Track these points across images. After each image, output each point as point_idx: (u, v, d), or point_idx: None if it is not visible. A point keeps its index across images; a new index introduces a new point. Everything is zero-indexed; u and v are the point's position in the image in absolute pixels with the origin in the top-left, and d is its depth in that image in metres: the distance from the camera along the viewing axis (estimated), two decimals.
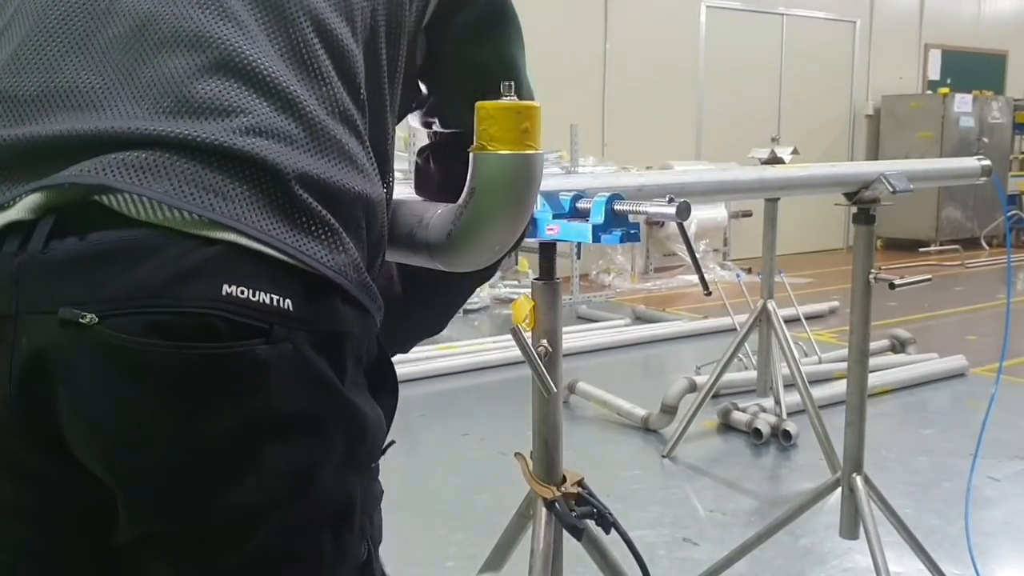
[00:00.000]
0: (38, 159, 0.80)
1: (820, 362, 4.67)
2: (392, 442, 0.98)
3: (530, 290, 1.40)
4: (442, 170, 1.19)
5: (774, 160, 3.45)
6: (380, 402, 0.91)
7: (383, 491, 1.00)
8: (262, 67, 0.84)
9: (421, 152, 1.22)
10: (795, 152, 3.51)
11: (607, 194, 1.22)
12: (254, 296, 0.77)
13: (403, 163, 5.07)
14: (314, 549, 0.85)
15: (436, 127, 1.18)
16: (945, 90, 10.43)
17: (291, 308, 0.78)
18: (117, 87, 0.82)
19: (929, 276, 2.27)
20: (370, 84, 0.95)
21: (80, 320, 0.74)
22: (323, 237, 0.82)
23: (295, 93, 0.85)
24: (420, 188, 1.21)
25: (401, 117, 1.12)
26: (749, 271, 7.31)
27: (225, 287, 0.76)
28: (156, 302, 0.75)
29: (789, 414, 3.81)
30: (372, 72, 0.95)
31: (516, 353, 1.66)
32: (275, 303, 0.77)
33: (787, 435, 3.71)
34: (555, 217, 1.28)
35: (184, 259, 0.76)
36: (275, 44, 0.87)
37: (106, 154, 0.78)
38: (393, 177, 1.03)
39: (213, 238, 0.77)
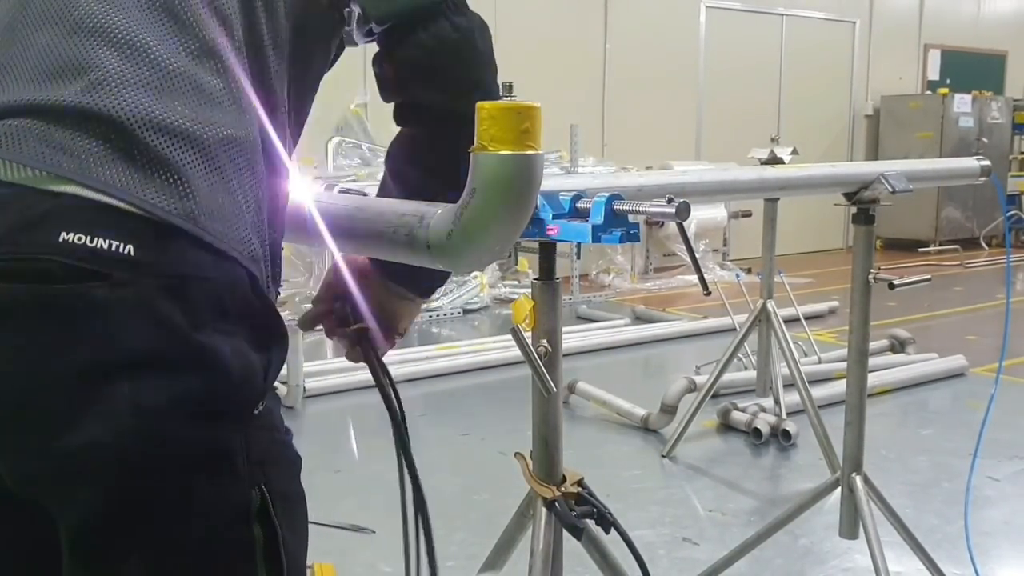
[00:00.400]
0: None
1: (820, 362, 4.67)
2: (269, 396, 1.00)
3: (530, 290, 1.41)
4: (402, 180, 1.23)
5: (773, 160, 3.45)
6: (261, 353, 0.92)
7: (299, 459, 1.01)
8: (111, 22, 0.89)
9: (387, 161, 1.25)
10: (794, 152, 3.51)
11: (607, 194, 1.23)
12: (91, 243, 0.81)
13: None
14: (174, 495, 0.87)
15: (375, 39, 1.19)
16: (944, 90, 10.44)
17: (132, 254, 0.82)
18: (2, 67, 0.90)
19: (928, 276, 2.28)
20: (247, 23, 0.98)
21: None
22: (170, 183, 0.85)
23: (145, 40, 0.89)
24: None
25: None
26: (749, 271, 7.31)
27: (63, 235, 0.81)
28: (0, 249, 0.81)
29: (789, 414, 3.81)
30: (247, 11, 0.99)
31: (516, 353, 1.66)
32: (114, 249, 0.82)
33: (787, 435, 3.71)
34: (555, 217, 1.28)
35: (28, 210, 0.82)
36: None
37: None
38: (286, 111, 1.04)
39: (56, 191, 0.82)
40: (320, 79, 1.16)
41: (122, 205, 0.83)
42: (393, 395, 1.34)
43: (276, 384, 1.04)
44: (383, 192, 1.26)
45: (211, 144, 0.89)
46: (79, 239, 0.81)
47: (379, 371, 1.34)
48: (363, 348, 1.33)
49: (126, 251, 0.82)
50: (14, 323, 0.81)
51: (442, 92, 1.15)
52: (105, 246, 0.81)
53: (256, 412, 0.92)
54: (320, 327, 1.38)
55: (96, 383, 0.82)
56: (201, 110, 0.90)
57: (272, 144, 1.00)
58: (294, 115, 1.09)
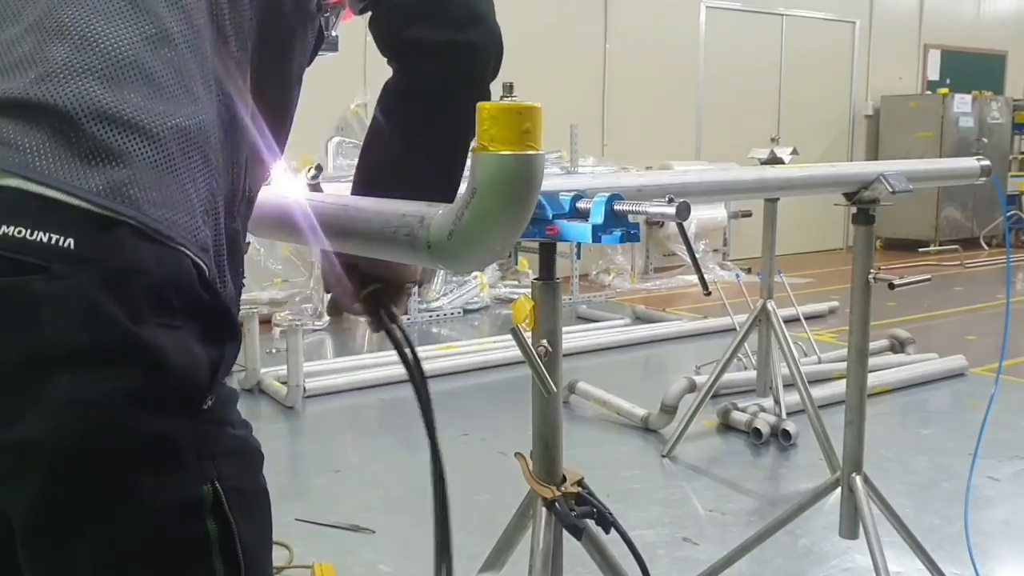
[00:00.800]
0: None
1: (820, 362, 4.67)
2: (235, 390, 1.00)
3: (530, 290, 1.41)
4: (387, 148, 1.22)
5: (773, 160, 3.45)
6: (210, 347, 0.91)
7: (258, 453, 1.01)
8: (65, 15, 0.89)
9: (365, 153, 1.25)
10: (795, 152, 3.51)
11: (607, 194, 1.23)
12: (32, 236, 0.81)
13: None
14: (117, 490, 0.86)
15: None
16: (944, 90, 10.44)
17: (72, 247, 0.82)
18: None
19: (928, 276, 2.28)
20: (210, 10, 0.98)
21: None
22: (115, 174, 0.85)
23: (97, 29, 0.89)
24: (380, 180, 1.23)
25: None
26: (749, 271, 7.31)
27: (3, 228, 0.81)
28: None
29: (789, 414, 3.81)
30: None
31: (516, 353, 1.66)
32: (54, 242, 0.82)
33: (787, 435, 3.71)
34: (555, 217, 1.28)
35: None
36: None
37: None
38: (252, 100, 1.03)
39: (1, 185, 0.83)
40: (302, 69, 1.15)
41: (63, 198, 0.83)
42: (414, 361, 1.34)
43: (235, 378, 1.03)
44: (372, 134, 1.25)
45: (160, 133, 0.88)
46: (19, 232, 0.81)
47: (397, 332, 1.33)
48: (380, 309, 1.32)
49: (66, 244, 0.82)
50: None
51: (444, 27, 1.15)
52: (45, 239, 0.81)
53: (205, 407, 0.91)
54: (347, 313, 1.38)
55: (33, 377, 0.82)
56: (151, 99, 0.89)
57: (235, 134, 0.99)
58: (273, 105, 1.07)
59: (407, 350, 1.34)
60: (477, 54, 1.19)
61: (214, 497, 0.91)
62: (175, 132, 0.90)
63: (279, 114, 1.10)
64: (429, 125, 1.22)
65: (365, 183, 1.28)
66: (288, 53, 1.10)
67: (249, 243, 1.12)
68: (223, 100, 0.97)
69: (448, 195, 1.19)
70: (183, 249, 0.88)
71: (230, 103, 0.99)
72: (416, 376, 1.35)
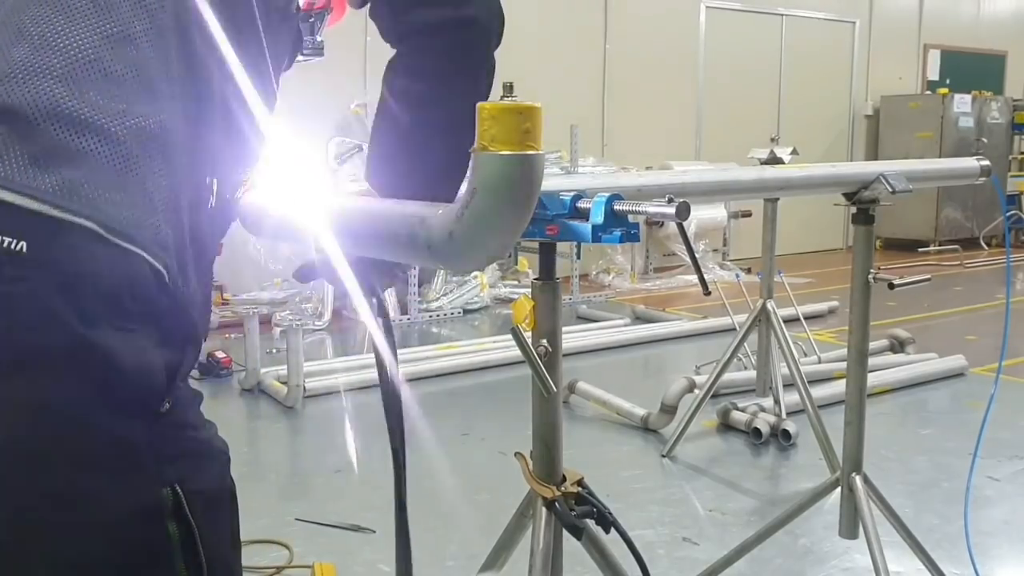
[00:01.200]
0: None
1: (819, 362, 4.67)
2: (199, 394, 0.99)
3: (530, 290, 1.41)
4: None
5: (773, 160, 3.45)
6: (168, 350, 0.90)
7: (224, 454, 1.00)
8: (26, 15, 0.89)
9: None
10: (794, 152, 3.51)
11: (607, 194, 1.23)
12: None
13: None
14: (71, 493, 0.86)
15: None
16: (944, 90, 10.44)
17: (25, 250, 0.81)
18: None
19: (928, 276, 2.28)
20: (174, 7, 0.97)
21: None
22: (70, 175, 0.84)
23: (57, 27, 0.88)
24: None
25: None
26: (748, 271, 7.31)
27: None
28: None
29: (788, 414, 3.81)
30: None
31: (516, 353, 1.66)
32: (6, 245, 0.81)
33: (786, 435, 3.71)
34: (555, 217, 1.28)
35: None
36: None
37: None
38: (204, 100, 1.01)
39: None
40: (278, 70, 1.14)
41: (17, 200, 0.82)
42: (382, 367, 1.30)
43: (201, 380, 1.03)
44: (380, 111, 1.24)
45: (119, 133, 0.88)
46: None
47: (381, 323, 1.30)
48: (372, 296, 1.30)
49: (18, 247, 0.81)
50: None
51: (443, 5, 1.14)
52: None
53: (162, 410, 0.91)
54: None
55: None
56: (111, 98, 0.88)
57: (203, 132, 0.98)
58: (247, 104, 1.06)
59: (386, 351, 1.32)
60: (479, 27, 1.19)
61: (174, 500, 0.90)
62: (134, 131, 0.89)
63: (254, 113, 1.09)
64: (435, 100, 1.21)
65: (378, 163, 1.27)
66: (260, 52, 1.09)
67: (222, 244, 1.10)
68: (189, 98, 0.96)
69: (454, 174, 1.18)
70: (140, 252, 0.87)
71: (197, 101, 0.97)
72: (386, 382, 1.30)
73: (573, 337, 5.37)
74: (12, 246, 0.81)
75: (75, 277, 0.83)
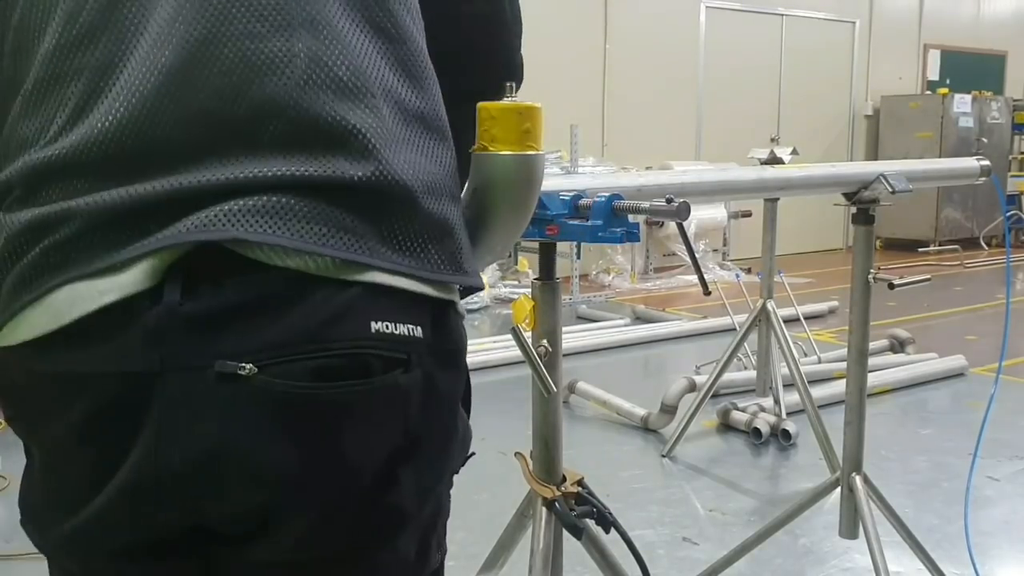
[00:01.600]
0: (142, 215, 0.76)
1: (819, 362, 4.67)
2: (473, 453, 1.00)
3: (530, 290, 1.41)
4: None
5: (773, 160, 3.45)
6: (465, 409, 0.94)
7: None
8: (353, 70, 0.81)
9: None
10: (794, 152, 3.51)
11: (607, 194, 1.23)
12: (396, 329, 0.78)
13: None
14: (410, 556, 0.87)
15: None
16: (944, 90, 10.44)
17: (422, 335, 0.80)
18: (205, 125, 0.77)
19: (928, 276, 2.28)
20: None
21: (239, 372, 0.73)
22: (446, 250, 0.84)
23: (388, 85, 0.83)
24: None
25: None
26: (748, 271, 7.31)
27: (373, 324, 0.77)
28: (313, 347, 0.75)
29: (788, 414, 3.81)
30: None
31: (516, 353, 1.66)
32: (411, 333, 0.80)
33: (786, 435, 3.71)
34: (555, 217, 1.28)
35: (331, 301, 0.76)
36: (362, 33, 0.83)
37: (221, 203, 0.75)
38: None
39: (352, 280, 0.77)
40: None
41: (412, 286, 0.80)
42: None
43: None
44: None
45: (456, 193, 0.88)
46: (387, 327, 0.78)
47: None
48: None
49: (418, 333, 0.80)
50: (336, 422, 0.77)
51: (478, 77, 1.05)
52: (406, 331, 0.79)
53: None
54: None
55: (390, 473, 0.81)
56: (441, 159, 0.87)
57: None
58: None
59: None
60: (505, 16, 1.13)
61: (440, 563, 0.94)
62: (456, 186, 0.91)
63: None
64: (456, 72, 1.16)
65: None
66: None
67: None
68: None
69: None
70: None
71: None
72: None
73: (573, 337, 5.37)
74: (414, 333, 0.80)
75: (452, 354, 0.87)
